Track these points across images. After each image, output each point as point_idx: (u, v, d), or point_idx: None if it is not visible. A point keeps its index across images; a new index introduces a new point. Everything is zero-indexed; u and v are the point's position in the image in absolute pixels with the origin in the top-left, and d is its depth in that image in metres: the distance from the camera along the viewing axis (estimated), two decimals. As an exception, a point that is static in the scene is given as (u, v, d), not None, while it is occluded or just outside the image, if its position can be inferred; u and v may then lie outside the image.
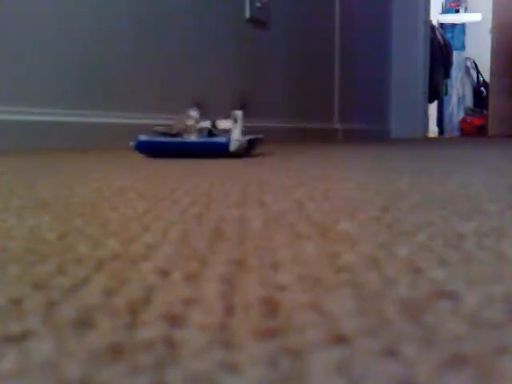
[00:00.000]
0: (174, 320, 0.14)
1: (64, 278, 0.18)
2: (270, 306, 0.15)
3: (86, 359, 0.12)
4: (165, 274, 0.19)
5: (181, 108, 1.63)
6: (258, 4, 2.00)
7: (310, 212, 0.33)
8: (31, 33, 1.21)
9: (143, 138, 0.95)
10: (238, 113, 0.95)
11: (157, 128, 1.00)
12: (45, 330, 0.14)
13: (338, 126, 2.71)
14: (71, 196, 0.41)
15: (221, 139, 0.92)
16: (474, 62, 5.23)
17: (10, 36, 1.17)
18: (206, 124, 0.98)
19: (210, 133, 0.99)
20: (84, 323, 0.14)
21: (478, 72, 5.24)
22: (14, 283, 0.18)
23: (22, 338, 0.13)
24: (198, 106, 0.99)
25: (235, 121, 0.95)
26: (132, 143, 0.95)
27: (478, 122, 4.93)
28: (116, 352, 0.12)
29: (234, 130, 0.96)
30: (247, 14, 1.96)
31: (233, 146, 0.90)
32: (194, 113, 0.98)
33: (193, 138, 0.96)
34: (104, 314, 0.15)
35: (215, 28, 1.80)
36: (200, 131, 0.98)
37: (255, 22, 2.01)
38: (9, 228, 0.28)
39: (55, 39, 1.26)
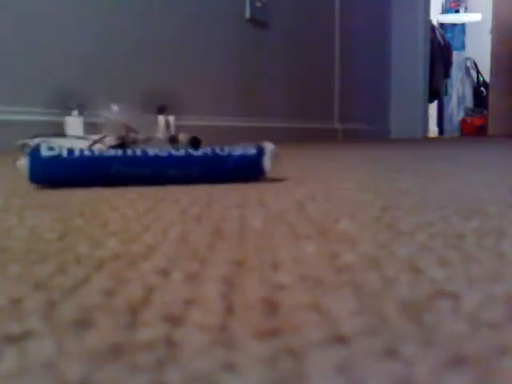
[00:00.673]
0: (173, 320, 0.14)
1: (64, 278, 0.18)
2: (270, 306, 0.15)
3: (86, 359, 0.12)
4: (165, 274, 0.19)
5: (183, 109, 1.63)
6: (258, 4, 2.00)
7: (310, 212, 0.33)
8: (32, 33, 1.21)
9: (63, 150, 0.46)
10: (170, 118, 0.61)
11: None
12: (45, 329, 0.14)
13: (337, 126, 2.71)
14: (71, 196, 0.41)
15: (249, 150, 0.50)
16: (474, 62, 5.23)
17: (11, 36, 1.17)
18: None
19: (173, 142, 0.65)
20: (84, 323, 0.14)
21: (478, 72, 5.24)
22: (14, 283, 0.18)
23: (21, 337, 0.13)
24: (162, 110, 0.67)
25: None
26: (24, 163, 0.45)
27: (478, 121, 4.93)
28: (116, 352, 0.12)
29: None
30: (247, 14, 1.95)
31: (268, 163, 0.50)
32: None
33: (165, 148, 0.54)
34: (104, 314, 0.15)
35: (215, 28, 1.80)
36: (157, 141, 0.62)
37: (255, 22, 2.01)
38: (9, 228, 0.28)
39: (56, 39, 1.26)
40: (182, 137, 0.64)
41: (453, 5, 5.30)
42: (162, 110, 0.64)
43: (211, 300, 0.16)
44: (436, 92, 4.06)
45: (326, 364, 0.12)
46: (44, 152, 0.45)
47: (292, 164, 0.80)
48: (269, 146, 0.51)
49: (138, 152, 0.47)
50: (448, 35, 4.83)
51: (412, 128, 3.40)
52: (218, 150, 0.49)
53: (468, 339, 0.13)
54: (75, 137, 0.62)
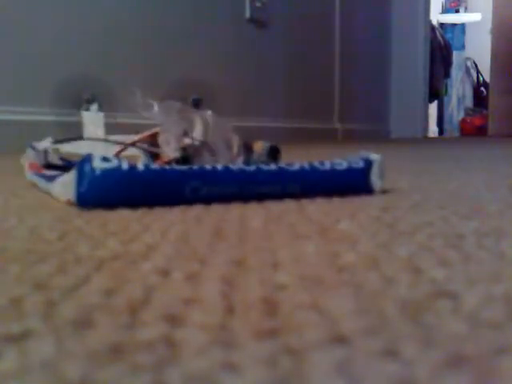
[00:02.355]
0: (174, 320, 0.14)
1: (64, 278, 0.18)
2: (270, 306, 0.15)
3: (86, 359, 0.12)
4: (165, 273, 0.19)
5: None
6: (258, 4, 2.00)
7: (310, 212, 0.33)
8: (31, 32, 1.21)
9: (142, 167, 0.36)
10: (208, 115, 0.47)
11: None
12: (45, 329, 0.14)
13: (337, 125, 2.70)
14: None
15: (354, 164, 0.42)
16: (474, 62, 5.23)
17: (10, 36, 1.17)
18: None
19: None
20: (84, 323, 0.14)
21: (478, 72, 5.24)
22: (14, 283, 0.18)
23: (21, 337, 0.13)
24: (198, 104, 0.55)
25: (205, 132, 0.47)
26: (67, 180, 0.35)
27: (478, 121, 4.93)
28: (116, 352, 0.12)
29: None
30: (247, 14, 1.95)
31: (377, 179, 0.42)
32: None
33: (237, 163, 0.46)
34: (104, 314, 0.15)
35: (215, 28, 1.80)
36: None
37: (255, 22, 2.01)
38: (9, 228, 0.28)
39: (55, 39, 1.26)
40: (259, 146, 0.52)
41: (453, 5, 5.30)
42: (197, 105, 0.51)
43: (211, 300, 0.16)
44: (436, 92, 4.06)
45: (326, 364, 0.12)
46: (97, 164, 0.34)
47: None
48: (375, 157, 0.42)
49: (219, 166, 0.38)
50: (448, 35, 4.83)
51: (412, 128, 3.40)
52: (317, 164, 0.41)
53: (468, 339, 0.13)
54: (105, 140, 0.49)
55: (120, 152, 0.47)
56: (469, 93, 5.33)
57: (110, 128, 0.52)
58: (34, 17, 1.21)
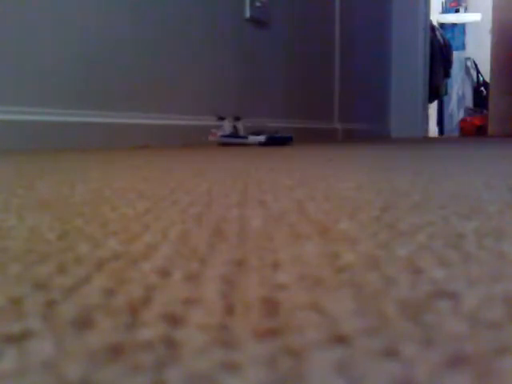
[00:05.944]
0: (174, 320, 0.14)
1: (64, 278, 0.18)
2: (270, 306, 0.15)
3: (86, 359, 0.12)
4: (165, 273, 0.19)
5: (181, 107, 1.62)
6: (258, 4, 2.00)
7: (310, 212, 0.33)
8: (31, 33, 1.21)
9: None
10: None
11: None
12: (45, 329, 0.14)
13: (337, 125, 2.70)
14: (71, 196, 0.41)
15: None
16: (474, 62, 5.23)
17: (10, 36, 1.17)
18: None
19: None
20: (84, 323, 0.14)
21: (478, 72, 5.24)
22: (14, 283, 0.18)
23: (21, 337, 0.13)
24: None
25: None
26: None
27: (478, 121, 4.93)
28: (116, 352, 0.12)
29: None
30: (247, 14, 1.95)
31: None
32: None
33: None
34: (104, 314, 0.15)
35: (215, 28, 1.80)
36: None
37: (255, 22, 2.01)
38: (9, 228, 0.28)
39: (55, 39, 1.26)
40: None
41: (453, 5, 5.30)
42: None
43: (211, 300, 0.16)
44: (436, 92, 4.06)
45: (326, 364, 0.12)
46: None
47: (292, 164, 0.80)
48: None
49: None
50: (448, 35, 4.83)
51: (412, 128, 3.40)
52: None
53: (468, 339, 0.13)
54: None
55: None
56: (469, 93, 5.34)
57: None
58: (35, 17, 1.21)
